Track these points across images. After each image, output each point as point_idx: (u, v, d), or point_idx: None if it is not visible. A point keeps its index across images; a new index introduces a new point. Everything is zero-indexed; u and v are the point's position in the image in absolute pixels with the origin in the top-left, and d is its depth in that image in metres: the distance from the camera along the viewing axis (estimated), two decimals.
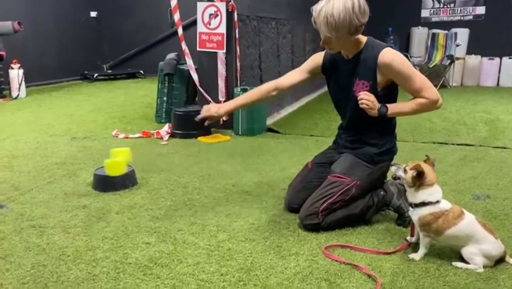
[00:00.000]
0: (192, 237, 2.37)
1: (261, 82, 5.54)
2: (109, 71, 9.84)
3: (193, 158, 3.88)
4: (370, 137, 2.48)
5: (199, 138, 4.55)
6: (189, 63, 4.78)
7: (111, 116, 5.73)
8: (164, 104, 5.27)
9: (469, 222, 2.05)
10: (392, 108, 2.35)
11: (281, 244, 2.29)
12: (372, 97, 2.33)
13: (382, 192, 2.53)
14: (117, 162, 3.11)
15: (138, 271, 2.04)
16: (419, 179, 2.08)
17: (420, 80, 2.32)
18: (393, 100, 2.44)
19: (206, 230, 2.47)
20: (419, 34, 9.25)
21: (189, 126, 4.63)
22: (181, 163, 3.73)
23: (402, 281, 1.95)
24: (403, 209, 2.48)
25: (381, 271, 2.03)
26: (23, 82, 7.17)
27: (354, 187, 2.41)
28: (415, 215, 2.12)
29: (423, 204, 2.09)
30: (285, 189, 2.87)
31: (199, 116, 2.66)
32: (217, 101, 4.82)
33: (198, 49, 4.81)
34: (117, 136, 4.64)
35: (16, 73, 7.07)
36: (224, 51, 4.71)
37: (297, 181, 2.72)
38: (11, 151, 4.10)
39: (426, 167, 2.10)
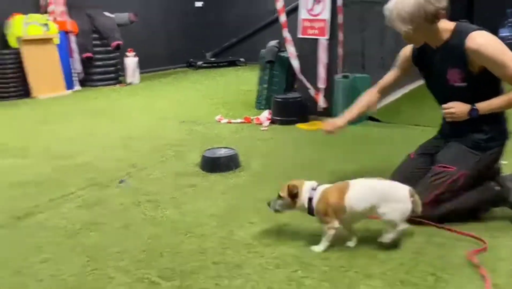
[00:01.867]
0: (295, 221, 2.41)
1: (363, 69, 5.39)
2: (212, 59, 10.29)
3: (292, 145, 3.94)
4: (475, 123, 2.28)
5: (297, 124, 4.60)
6: (290, 50, 4.81)
7: (214, 102, 6.01)
8: (265, 91, 5.39)
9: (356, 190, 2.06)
10: (482, 107, 2.20)
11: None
12: (455, 107, 2.24)
13: (497, 187, 2.34)
14: None
15: (243, 248, 2.15)
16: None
17: None
18: (497, 82, 2.25)
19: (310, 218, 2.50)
20: None
21: (288, 113, 4.69)
22: (281, 149, 3.81)
23: None
24: None
25: (495, 271, 1.89)
26: (137, 69, 7.82)
27: (462, 178, 2.27)
28: None
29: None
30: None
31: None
32: (316, 88, 4.80)
33: (299, 36, 4.82)
34: (220, 121, 4.86)
35: (131, 61, 7.73)
36: (327, 37, 4.65)
37: (399, 172, 2.62)
38: (128, 133, 4.52)
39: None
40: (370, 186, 2.11)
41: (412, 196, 2.07)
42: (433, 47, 2.32)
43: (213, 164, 3.27)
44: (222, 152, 3.39)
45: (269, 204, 2.21)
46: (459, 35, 2.19)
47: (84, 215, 2.59)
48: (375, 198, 2.06)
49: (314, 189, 2.13)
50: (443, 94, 2.37)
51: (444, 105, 2.30)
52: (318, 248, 2.10)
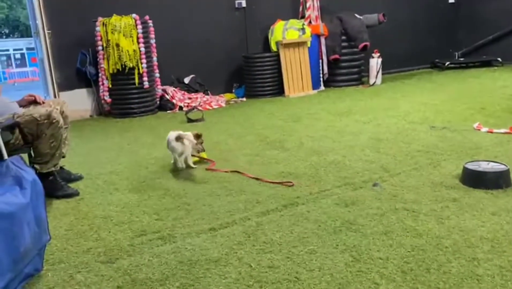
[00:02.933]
0: None
1: None
2: (461, 59, 9.36)
3: None
4: None
5: None
6: None
7: (467, 107, 5.43)
8: None
9: None
10: None
11: None
12: None
13: None
14: None
15: None
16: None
17: None
18: None
19: None
20: None
21: None
22: None
23: None
24: None
25: None
26: (380, 70, 7.75)
27: None
28: None
29: None
30: None
31: None
32: None
33: None
34: (479, 130, 4.34)
35: (375, 62, 7.71)
36: None
37: None
38: (375, 134, 4.49)
39: None
40: None
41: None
42: None
43: (478, 179, 2.91)
44: (489, 166, 3.00)
45: None
46: None
47: (342, 213, 2.67)
48: None
49: None
50: None
51: None
52: None
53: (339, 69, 7.75)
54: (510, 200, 2.69)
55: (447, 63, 9.01)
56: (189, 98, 6.86)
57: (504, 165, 2.98)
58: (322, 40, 7.55)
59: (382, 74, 7.98)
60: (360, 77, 7.90)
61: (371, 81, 7.74)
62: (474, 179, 2.94)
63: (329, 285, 1.94)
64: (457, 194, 2.83)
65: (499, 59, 8.78)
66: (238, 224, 2.61)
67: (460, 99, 5.98)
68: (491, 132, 4.22)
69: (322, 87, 7.68)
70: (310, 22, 7.52)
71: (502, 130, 4.21)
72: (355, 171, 3.42)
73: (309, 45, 7.37)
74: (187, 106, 6.59)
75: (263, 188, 3.19)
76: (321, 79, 7.69)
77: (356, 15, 7.67)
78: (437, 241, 2.25)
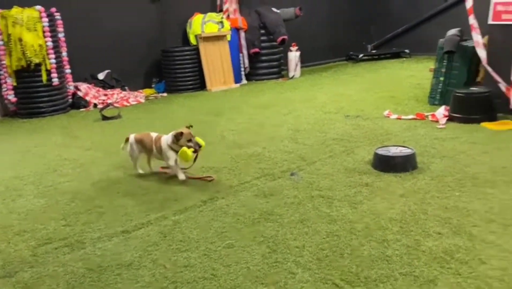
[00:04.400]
0: (492, 236, 2.09)
1: None
2: (373, 51, 9.86)
3: (479, 146, 3.46)
4: None
5: (482, 123, 4.04)
6: (476, 38, 4.24)
7: (379, 96, 5.71)
8: (440, 84, 4.89)
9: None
10: None
11: None
12: None
13: None
14: None
15: (433, 262, 1.92)
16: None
17: None
18: None
19: (508, 231, 2.13)
20: None
21: (471, 110, 4.16)
22: (465, 151, 3.37)
23: None
24: None
25: None
26: (299, 63, 7.92)
27: None
28: None
29: None
30: None
31: None
32: (508, 82, 4.15)
33: (490, 22, 4.22)
34: (389, 117, 4.57)
35: (293, 55, 7.86)
36: None
37: None
38: (294, 125, 4.56)
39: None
40: None
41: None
42: None
43: (388, 163, 3.06)
44: (398, 151, 3.16)
45: None
46: None
47: (261, 205, 2.66)
48: None
49: None
50: None
51: None
52: None
53: (260, 63, 7.80)
54: (417, 182, 2.84)
55: (361, 55, 9.45)
56: (105, 95, 6.51)
57: (411, 149, 3.16)
58: (242, 33, 7.54)
59: (301, 67, 8.16)
60: (280, 70, 8.02)
61: (290, 74, 7.88)
62: (384, 164, 3.08)
63: (245, 279, 1.91)
64: (369, 179, 2.94)
65: (407, 50, 9.38)
66: (154, 224, 2.49)
67: (372, 89, 6.28)
68: (400, 119, 4.47)
69: (244, 81, 7.68)
70: (228, 15, 7.47)
71: (410, 116, 4.48)
72: (274, 162, 3.43)
73: (229, 38, 7.32)
74: (102, 103, 6.25)
75: (182, 184, 3.09)
76: (243, 72, 7.69)
77: (274, 9, 7.75)
78: (350, 226, 2.32)
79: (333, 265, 1.96)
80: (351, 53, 9.73)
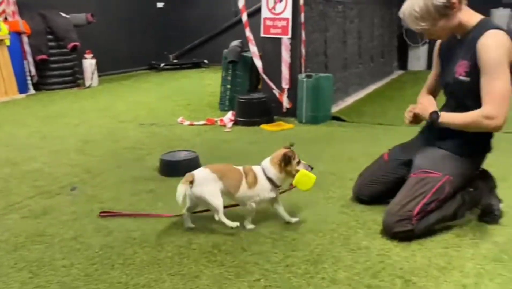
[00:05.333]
0: (256, 225, 2.30)
1: (326, 68, 5.36)
2: (175, 61, 10.07)
3: (256, 146, 3.83)
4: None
5: (262, 125, 4.49)
6: (253, 50, 4.71)
7: (177, 104, 5.84)
8: (228, 91, 5.27)
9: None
10: (445, 116, 2.13)
11: (350, 236, 2.16)
12: (425, 101, 2.25)
13: (471, 189, 2.24)
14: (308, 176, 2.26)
15: (201, 257, 2.01)
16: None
17: (495, 85, 1.97)
18: None
19: (269, 218, 2.39)
20: (500, 16, 8.50)
21: (252, 114, 4.59)
22: (244, 150, 3.69)
23: (488, 284, 1.75)
24: (493, 207, 2.23)
25: (463, 271, 1.84)
26: (96, 72, 7.52)
27: (447, 183, 2.12)
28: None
29: None
30: (353, 179, 2.71)
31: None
32: (280, 88, 4.72)
33: (262, 35, 4.73)
34: (182, 123, 4.70)
35: (89, 63, 7.43)
36: (289, 36, 4.58)
37: (369, 173, 2.53)
38: (84, 136, 4.28)
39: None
40: None
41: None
42: (458, 37, 2.20)
43: (172, 168, 3.11)
44: (182, 155, 3.25)
45: None
46: (479, 30, 2.07)
47: (29, 226, 2.38)
48: None
49: None
50: (449, 88, 2.25)
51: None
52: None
53: (50, 71, 7.12)
54: None
55: (162, 64, 9.55)
56: None
57: (194, 152, 3.28)
58: (25, 38, 6.76)
59: (100, 75, 7.78)
60: (75, 79, 7.47)
61: (87, 83, 7.43)
62: (169, 169, 3.13)
63: None
64: (154, 185, 2.94)
65: (206, 61, 9.87)
66: None
67: (171, 97, 6.39)
68: (192, 125, 4.64)
69: (32, 91, 6.89)
70: (6, 18, 6.60)
71: (201, 122, 4.69)
72: (54, 178, 3.14)
73: (8, 43, 6.46)
74: None
75: None
76: (29, 81, 6.89)
77: (62, 13, 7.18)
78: (127, 234, 2.26)
79: (102, 278, 1.87)
80: (153, 62, 9.75)
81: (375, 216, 2.34)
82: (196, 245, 2.12)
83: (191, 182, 2.16)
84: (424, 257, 1.95)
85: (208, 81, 7.84)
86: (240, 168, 2.29)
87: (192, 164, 3.16)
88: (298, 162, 2.25)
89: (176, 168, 3.11)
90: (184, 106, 5.67)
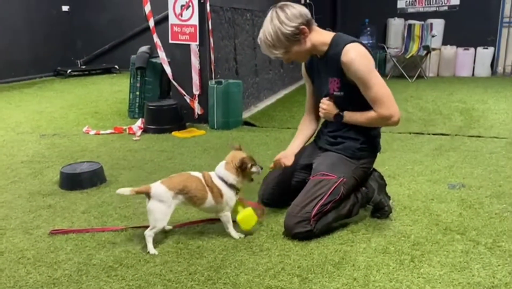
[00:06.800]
0: (161, 236, 2.27)
1: (237, 74, 5.45)
2: (83, 67, 9.59)
3: (165, 154, 3.77)
4: (352, 132, 2.36)
5: (173, 132, 4.44)
6: (162, 56, 4.64)
7: (83, 112, 5.56)
8: (137, 98, 5.13)
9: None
10: (347, 116, 2.31)
11: (253, 239, 2.22)
12: (328, 106, 2.34)
13: (364, 188, 2.43)
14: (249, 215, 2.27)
15: (102, 273, 1.94)
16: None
17: (377, 90, 2.17)
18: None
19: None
20: (396, 25, 9.27)
21: (162, 121, 4.52)
22: (153, 159, 3.62)
23: (376, 275, 1.90)
24: (384, 204, 2.43)
25: (355, 265, 1.97)
26: None
27: (342, 185, 2.25)
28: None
29: None
30: (260, 183, 2.78)
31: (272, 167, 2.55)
32: (191, 95, 4.71)
33: (170, 41, 4.68)
34: (88, 133, 4.49)
35: None
36: (197, 43, 4.59)
37: (272, 177, 2.63)
38: None
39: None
40: None
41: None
42: (318, 56, 2.33)
43: (73, 181, 2.96)
44: (84, 167, 3.10)
45: None
46: (336, 47, 2.21)
47: None
48: None
49: None
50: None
51: (322, 99, 2.37)
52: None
53: None
54: (102, 195, 2.85)
55: (69, 70, 9.04)
56: None
57: (98, 163, 3.15)
58: None
59: None
60: None
61: None
62: (70, 182, 2.97)
63: None
64: (53, 200, 2.78)
65: (117, 66, 9.52)
66: None
67: (77, 105, 6.07)
68: (99, 134, 4.45)
69: None
70: None
71: (108, 131, 4.51)
72: None
73: None
74: None
75: None
76: None
77: None
78: (20, 255, 2.11)
79: None
80: (59, 68, 9.19)
81: (278, 218, 2.43)
82: (97, 260, 2.04)
83: (148, 195, 2.10)
84: (321, 254, 2.06)
85: (119, 88, 7.57)
86: (199, 175, 2.25)
87: (95, 176, 3.05)
88: (252, 165, 2.25)
89: (77, 181, 2.96)
90: (91, 115, 5.42)
